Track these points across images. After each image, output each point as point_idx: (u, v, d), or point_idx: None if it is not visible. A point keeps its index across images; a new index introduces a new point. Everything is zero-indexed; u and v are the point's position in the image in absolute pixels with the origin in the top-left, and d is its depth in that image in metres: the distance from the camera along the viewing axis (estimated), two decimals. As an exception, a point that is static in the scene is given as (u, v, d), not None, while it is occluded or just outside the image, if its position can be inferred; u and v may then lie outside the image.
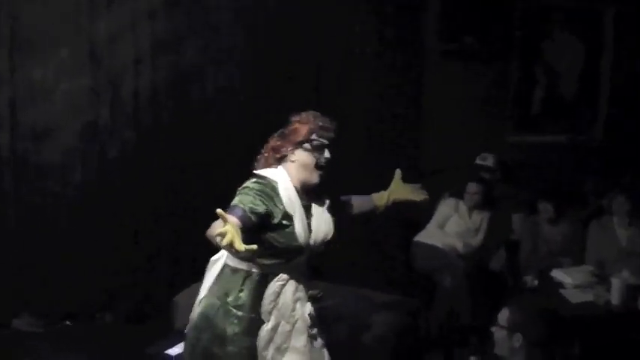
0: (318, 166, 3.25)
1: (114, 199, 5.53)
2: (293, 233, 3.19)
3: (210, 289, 3.33)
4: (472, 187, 5.78)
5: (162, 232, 5.68)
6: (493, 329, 3.46)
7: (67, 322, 5.47)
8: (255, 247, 2.78)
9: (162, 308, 5.17)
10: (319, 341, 3.40)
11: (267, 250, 3.17)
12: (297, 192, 3.25)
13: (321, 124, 3.27)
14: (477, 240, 5.77)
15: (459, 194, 5.85)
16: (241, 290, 3.25)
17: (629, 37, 6.63)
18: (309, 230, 3.27)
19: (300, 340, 3.30)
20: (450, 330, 5.36)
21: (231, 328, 3.26)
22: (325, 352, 3.44)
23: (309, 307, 3.35)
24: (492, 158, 6.12)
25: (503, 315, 3.45)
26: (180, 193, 5.67)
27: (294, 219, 3.20)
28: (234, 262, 3.27)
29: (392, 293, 5.04)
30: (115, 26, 5.44)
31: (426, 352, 5.06)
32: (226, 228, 2.71)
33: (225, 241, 2.69)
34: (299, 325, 3.31)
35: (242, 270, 3.26)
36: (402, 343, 4.69)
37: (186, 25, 5.56)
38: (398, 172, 3.64)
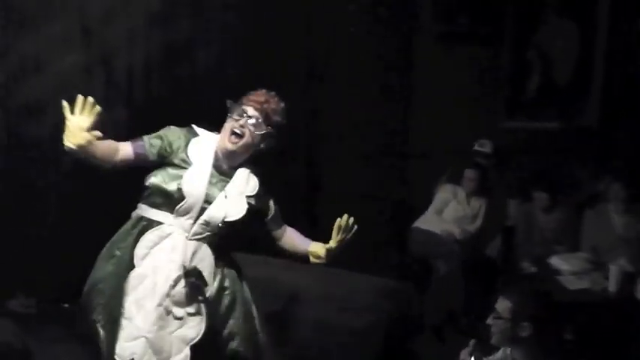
0: (232, 132, 3.28)
1: (107, 177, 5.44)
2: (180, 177, 3.22)
3: None
4: (470, 174, 5.79)
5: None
6: (490, 321, 3.41)
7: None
8: (87, 136, 2.94)
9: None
10: (176, 322, 3.24)
11: (153, 190, 3.25)
12: (218, 157, 3.30)
13: (252, 96, 3.33)
14: (474, 226, 5.79)
15: (456, 180, 5.85)
16: (128, 233, 3.30)
17: (623, 21, 6.61)
18: (209, 198, 3.25)
19: (152, 302, 3.22)
20: (443, 315, 5.36)
21: (107, 267, 3.29)
22: (183, 346, 3.26)
23: (176, 276, 3.23)
24: (490, 144, 6.11)
25: (503, 305, 3.39)
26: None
27: (190, 167, 3.25)
28: (137, 211, 3.33)
29: (386, 277, 5.04)
30: (107, 2, 5.35)
31: (418, 337, 5.06)
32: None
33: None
34: (159, 287, 3.23)
35: (137, 216, 3.32)
36: (395, 327, 4.70)
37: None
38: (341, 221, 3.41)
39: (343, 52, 6.09)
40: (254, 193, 3.36)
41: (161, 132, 3.32)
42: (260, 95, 3.33)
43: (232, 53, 5.68)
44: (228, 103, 3.32)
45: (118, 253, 3.30)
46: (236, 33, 5.65)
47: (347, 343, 4.43)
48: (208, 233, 3.28)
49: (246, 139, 3.29)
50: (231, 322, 3.38)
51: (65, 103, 2.98)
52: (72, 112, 3.00)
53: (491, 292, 4.45)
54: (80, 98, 2.99)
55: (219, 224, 3.28)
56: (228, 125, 3.30)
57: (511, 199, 5.98)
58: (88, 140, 3.00)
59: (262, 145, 3.34)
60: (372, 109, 6.19)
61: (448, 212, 5.80)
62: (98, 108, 3.01)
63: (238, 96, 5.30)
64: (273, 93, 3.36)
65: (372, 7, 6.09)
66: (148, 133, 5.32)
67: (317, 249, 3.41)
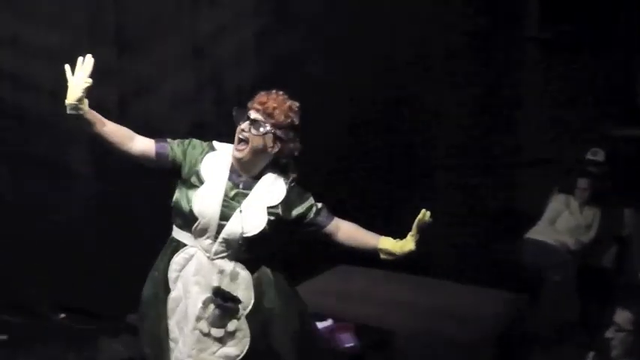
0: (238, 139, 3.15)
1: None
2: (193, 196, 3.13)
3: None
4: (583, 183, 5.70)
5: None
6: (611, 334, 3.30)
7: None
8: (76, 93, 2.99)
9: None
10: (217, 342, 3.19)
11: (174, 210, 3.18)
12: (234, 170, 3.18)
13: (260, 99, 3.16)
14: (588, 236, 5.67)
15: (568, 189, 5.75)
16: (164, 254, 3.26)
17: None
18: (226, 215, 3.13)
19: (188, 326, 3.19)
20: (557, 327, 5.27)
21: (147, 290, 3.29)
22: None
23: (205, 298, 3.16)
24: (603, 153, 5.97)
25: (623, 317, 3.29)
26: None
27: (203, 184, 3.15)
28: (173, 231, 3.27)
29: (498, 289, 4.98)
30: (217, 21, 5.47)
31: (532, 349, 4.98)
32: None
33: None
34: (190, 310, 3.18)
35: (170, 236, 3.25)
36: (508, 339, 4.64)
37: (288, 19, 5.55)
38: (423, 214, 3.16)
39: (450, 61, 6.04)
40: (278, 202, 3.19)
41: (185, 141, 3.26)
42: (262, 96, 3.17)
43: (338, 69, 5.69)
44: (234, 110, 3.19)
45: (156, 274, 3.30)
46: (341, 49, 5.67)
47: (459, 355, 4.39)
48: (231, 251, 3.17)
49: (252, 144, 3.13)
50: (270, 337, 3.26)
51: (67, 66, 3.05)
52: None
53: (606, 303, 4.34)
54: (80, 59, 3.05)
55: (239, 241, 3.16)
56: (236, 133, 3.18)
57: (626, 208, 5.83)
58: (81, 96, 3.03)
59: (277, 148, 3.16)
60: (480, 118, 6.12)
61: (561, 222, 5.70)
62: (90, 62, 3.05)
63: (345, 111, 5.41)
64: (279, 92, 3.18)
65: (476, 15, 6.03)
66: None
67: (389, 245, 3.18)
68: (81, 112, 3.06)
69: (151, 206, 5.25)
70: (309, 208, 3.25)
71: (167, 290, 3.23)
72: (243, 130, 3.12)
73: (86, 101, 3.05)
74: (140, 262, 3.55)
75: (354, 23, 5.62)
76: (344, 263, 5.15)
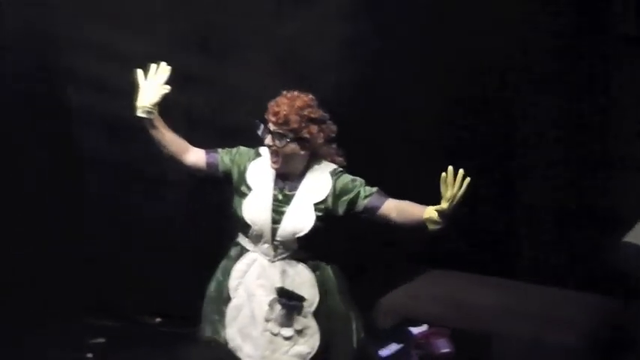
0: (271, 152, 3.26)
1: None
2: (243, 204, 3.27)
3: None
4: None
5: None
6: None
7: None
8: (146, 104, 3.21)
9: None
10: (287, 342, 3.30)
11: (233, 215, 3.33)
12: (278, 175, 3.28)
13: (273, 108, 3.25)
14: (692, 240, 5.49)
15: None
16: (229, 257, 3.39)
17: None
18: (278, 219, 3.25)
19: (257, 330, 3.29)
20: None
21: (211, 289, 3.45)
22: (291, 358, 3.32)
23: (270, 300, 3.28)
24: None
25: None
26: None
27: (251, 192, 3.27)
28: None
29: (594, 293, 4.90)
30: (304, 29, 5.48)
31: (631, 355, 4.88)
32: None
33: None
34: (257, 313, 3.29)
35: (235, 242, 3.40)
36: (610, 346, 4.56)
37: (376, 27, 5.51)
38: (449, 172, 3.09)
39: (539, 59, 5.91)
40: (324, 196, 3.27)
41: (233, 149, 3.40)
42: (273, 106, 3.27)
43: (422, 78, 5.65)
44: (256, 123, 3.29)
45: (220, 277, 3.45)
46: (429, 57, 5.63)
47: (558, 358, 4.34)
48: (289, 252, 3.28)
49: (281, 155, 3.23)
50: (333, 334, 3.36)
51: (140, 70, 3.22)
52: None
53: None
54: (154, 65, 3.21)
55: (294, 242, 3.26)
56: (265, 143, 3.29)
57: None
58: (157, 102, 3.25)
59: (306, 148, 3.25)
60: (571, 117, 5.99)
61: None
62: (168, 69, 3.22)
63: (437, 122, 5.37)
64: (288, 94, 3.29)
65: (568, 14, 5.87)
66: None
67: (431, 213, 3.11)
68: (152, 117, 3.25)
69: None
70: (357, 195, 3.28)
71: (227, 298, 3.37)
72: (269, 145, 3.23)
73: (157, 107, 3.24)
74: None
75: (443, 27, 5.58)
76: (439, 268, 5.13)
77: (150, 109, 3.27)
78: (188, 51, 5.42)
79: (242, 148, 3.41)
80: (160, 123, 3.31)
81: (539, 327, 4.48)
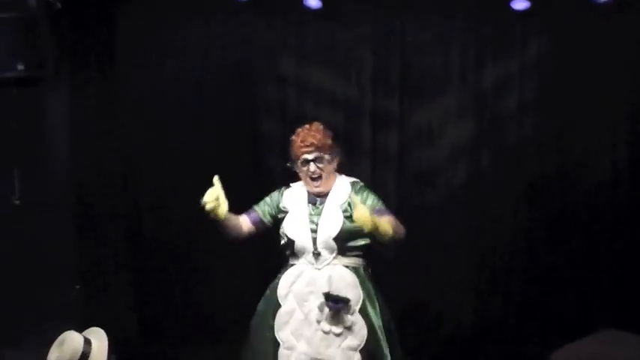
0: (311, 178, 3.82)
1: (489, 246, 5.54)
2: (284, 224, 3.86)
3: None
4: None
5: (534, 281, 5.53)
6: None
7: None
8: (221, 211, 3.64)
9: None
10: (339, 340, 3.75)
11: (282, 239, 3.89)
12: (310, 194, 3.87)
13: (301, 142, 3.80)
14: None
15: None
16: (278, 276, 3.90)
17: None
18: (314, 230, 3.79)
19: (310, 330, 3.77)
20: None
21: (260, 305, 3.95)
22: (352, 354, 3.76)
23: (319, 303, 3.74)
24: None
25: None
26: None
27: (288, 214, 3.86)
28: None
29: None
30: (501, 75, 5.47)
31: None
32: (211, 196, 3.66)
33: (207, 207, 3.64)
34: (311, 316, 3.77)
35: (288, 264, 3.92)
36: None
37: (572, 75, 5.39)
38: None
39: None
40: (344, 201, 3.82)
41: (266, 198, 3.98)
42: (298, 140, 3.82)
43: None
44: (289, 166, 3.86)
45: (268, 292, 3.95)
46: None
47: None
48: (332, 256, 3.80)
49: (326, 174, 3.83)
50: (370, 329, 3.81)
51: (217, 178, 3.67)
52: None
53: None
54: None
55: (333, 246, 3.78)
56: (302, 177, 3.87)
57: None
58: (212, 207, 3.67)
59: (336, 162, 3.88)
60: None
61: None
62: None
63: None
64: (303, 127, 3.84)
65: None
66: (544, 206, 5.29)
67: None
68: (217, 219, 3.74)
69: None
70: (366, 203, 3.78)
71: (277, 306, 3.86)
72: (312, 172, 3.80)
73: (222, 210, 3.69)
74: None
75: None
76: (613, 327, 4.77)
77: (211, 213, 3.71)
78: (386, 92, 5.54)
79: (272, 193, 4.00)
80: (228, 218, 3.80)
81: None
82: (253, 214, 3.99)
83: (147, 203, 5.78)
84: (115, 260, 5.74)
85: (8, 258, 5.44)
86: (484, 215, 5.53)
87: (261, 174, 5.53)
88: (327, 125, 5.31)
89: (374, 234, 3.69)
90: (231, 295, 5.62)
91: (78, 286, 5.52)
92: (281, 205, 3.93)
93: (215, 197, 3.66)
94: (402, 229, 3.85)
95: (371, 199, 3.87)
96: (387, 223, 3.64)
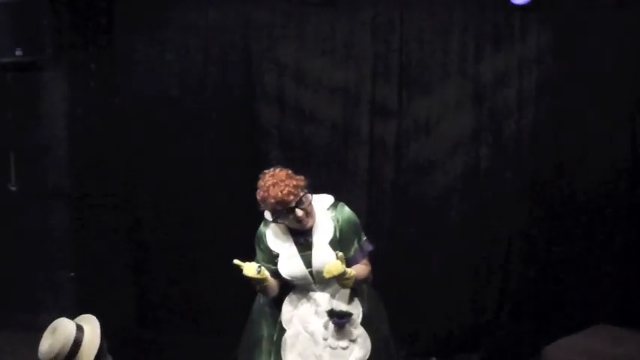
0: (298, 220, 3.79)
1: (484, 239, 5.54)
2: (279, 267, 3.88)
3: None
4: None
5: (529, 276, 5.52)
6: None
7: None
8: (256, 275, 3.73)
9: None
10: (345, 351, 3.88)
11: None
12: (294, 232, 3.88)
13: (276, 198, 3.71)
14: None
15: None
16: (283, 293, 3.96)
17: None
18: (308, 263, 3.85)
19: (318, 349, 3.89)
20: None
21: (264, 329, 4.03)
22: None
23: (324, 321, 3.87)
24: None
25: None
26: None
27: (279, 257, 3.89)
28: None
29: None
30: (500, 69, 5.43)
31: None
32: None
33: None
34: (316, 335, 3.88)
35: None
36: None
37: (571, 70, 5.36)
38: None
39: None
40: (332, 235, 3.88)
41: (258, 253, 3.97)
42: (271, 196, 3.70)
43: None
44: (271, 217, 3.83)
45: (255, 319, 4.06)
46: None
47: None
48: (330, 281, 3.82)
49: (311, 212, 3.83)
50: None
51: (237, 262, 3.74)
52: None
53: None
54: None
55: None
56: (289, 223, 3.83)
57: None
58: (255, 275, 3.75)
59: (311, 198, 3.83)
60: None
61: None
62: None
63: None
64: (269, 179, 3.74)
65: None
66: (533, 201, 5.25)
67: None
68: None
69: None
70: (350, 247, 3.91)
71: (281, 331, 3.95)
72: (299, 217, 3.76)
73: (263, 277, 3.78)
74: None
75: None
76: (607, 322, 4.80)
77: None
78: (385, 82, 5.52)
79: (257, 242, 3.98)
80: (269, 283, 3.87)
81: None
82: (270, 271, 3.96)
83: (145, 190, 5.77)
84: (112, 248, 5.74)
85: (4, 244, 5.44)
86: (482, 206, 5.50)
87: (258, 161, 5.48)
88: (326, 114, 5.51)
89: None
90: (228, 283, 5.64)
91: (73, 274, 5.54)
92: (273, 252, 3.94)
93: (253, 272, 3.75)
94: (368, 275, 3.96)
95: (356, 243, 3.95)
96: (350, 279, 3.75)
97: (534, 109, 5.41)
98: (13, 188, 5.44)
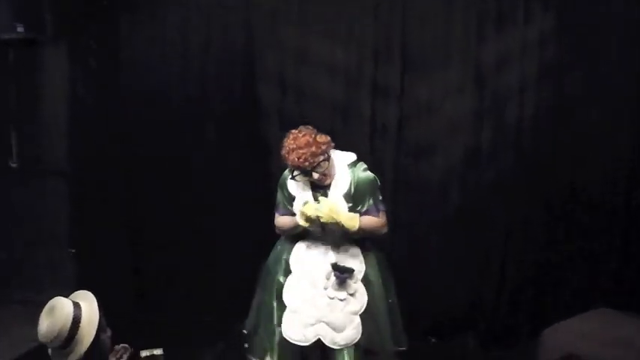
0: (320, 179, 4.07)
1: (483, 223, 5.53)
2: (294, 209, 4.14)
3: None
4: None
5: (528, 260, 5.50)
6: None
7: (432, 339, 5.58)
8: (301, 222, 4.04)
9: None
10: (342, 302, 4.11)
11: None
12: (313, 185, 4.12)
13: (292, 166, 4.02)
14: None
15: None
16: (295, 236, 4.24)
17: None
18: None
19: (316, 295, 4.12)
20: None
21: (270, 258, 4.35)
22: (353, 317, 4.13)
23: (326, 272, 4.10)
24: None
25: None
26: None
27: (295, 201, 4.16)
28: None
29: None
30: (503, 52, 5.40)
31: None
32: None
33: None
34: (318, 284, 4.12)
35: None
36: None
37: (574, 53, 5.33)
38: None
39: None
40: (347, 188, 4.10)
41: (278, 194, 4.26)
42: (292, 154, 3.96)
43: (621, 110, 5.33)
44: (295, 176, 4.08)
45: (278, 247, 4.33)
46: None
47: None
48: (337, 233, 4.09)
49: (329, 173, 4.08)
50: (372, 299, 4.18)
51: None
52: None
53: None
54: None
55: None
56: (308, 179, 4.10)
57: None
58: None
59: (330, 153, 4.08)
60: None
61: None
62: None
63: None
64: (292, 139, 3.99)
65: None
66: (534, 183, 5.21)
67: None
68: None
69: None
70: (364, 204, 4.14)
71: (287, 273, 4.21)
72: (317, 179, 4.06)
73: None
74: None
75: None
76: (607, 306, 4.79)
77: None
78: (386, 63, 5.49)
79: (279, 185, 4.26)
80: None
81: None
82: (281, 209, 4.27)
83: (145, 167, 5.76)
84: (112, 226, 5.74)
85: (4, 220, 5.45)
86: (482, 189, 5.49)
87: (258, 143, 5.53)
88: (328, 95, 5.49)
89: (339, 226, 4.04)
90: (229, 262, 5.66)
91: (73, 250, 5.55)
92: (289, 191, 4.19)
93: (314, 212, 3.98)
94: (375, 228, 4.17)
95: (369, 199, 4.16)
96: (350, 220, 4.03)
97: (537, 92, 5.38)
98: (14, 165, 5.45)
